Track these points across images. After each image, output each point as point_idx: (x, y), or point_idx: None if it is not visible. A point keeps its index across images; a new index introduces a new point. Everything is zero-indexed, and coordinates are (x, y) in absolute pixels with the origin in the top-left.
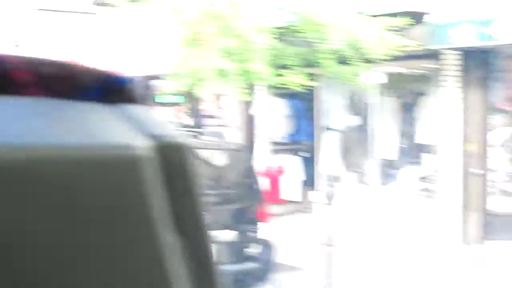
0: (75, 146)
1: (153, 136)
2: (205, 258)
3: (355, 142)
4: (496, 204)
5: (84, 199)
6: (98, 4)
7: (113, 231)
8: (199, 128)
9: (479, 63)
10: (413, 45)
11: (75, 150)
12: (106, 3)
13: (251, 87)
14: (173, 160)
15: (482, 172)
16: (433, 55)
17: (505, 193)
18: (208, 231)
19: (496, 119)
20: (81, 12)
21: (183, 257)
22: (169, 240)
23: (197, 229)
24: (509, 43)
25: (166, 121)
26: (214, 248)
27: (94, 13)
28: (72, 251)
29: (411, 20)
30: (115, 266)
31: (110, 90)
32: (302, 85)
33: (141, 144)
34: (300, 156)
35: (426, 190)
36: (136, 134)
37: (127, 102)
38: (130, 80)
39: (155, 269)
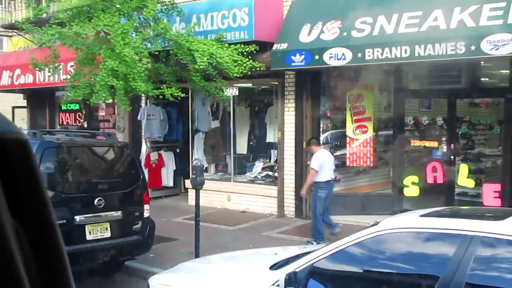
0: None
1: None
2: (49, 242)
3: (217, 141)
4: None
5: None
6: (7, 28)
7: None
8: (94, 129)
9: (311, 81)
10: (261, 67)
11: None
12: (16, 27)
13: (135, 98)
14: (14, 154)
15: (309, 162)
16: (277, 74)
17: None
18: (54, 218)
19: (325, 124)
20: None
21: (26, 241)
22: (11, 226)
23: (41, 216)
24: (334, 65)
25: (9, 119)
26: (60, 232)
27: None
28: None
29: (259, 47)
30: None
31: None
32: (177, 96)
33: None
34: (175, 152)
35: (271, 177)
36: None
37: None
38: None
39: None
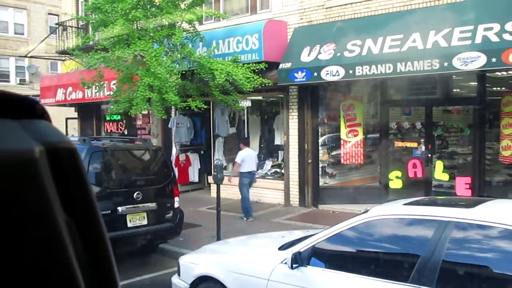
0: None
1: (50, 143)
2: (95, 232)
3: (234, 144)
4: (323, 180)
5: None
6: (60, 53)
7: (15, 216)
8: (133, 136)
9: (311, 94)
10: (269, 83)
11: None
12: (68, 52)
13: (166, 109)
14: (65, 160)
15: (310, 161)
16: (282, 89)
17: (328, 174)
18: (99, 212)
19: (323, 129)
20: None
21: (77, 234)
22: (64, 220)
23: (88, 212)
24: (329, 81)
25: (61, 132)
26: (105, 227)
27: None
28: None
29: (267, 66)
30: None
31: (19, 108)
32: (200, 108)
33: (38, 148)
34: (200, 153)
35: (279, 173)
36: (36, 141)
37: (34, 118)
38: (37, 101)
39: (55, 246)
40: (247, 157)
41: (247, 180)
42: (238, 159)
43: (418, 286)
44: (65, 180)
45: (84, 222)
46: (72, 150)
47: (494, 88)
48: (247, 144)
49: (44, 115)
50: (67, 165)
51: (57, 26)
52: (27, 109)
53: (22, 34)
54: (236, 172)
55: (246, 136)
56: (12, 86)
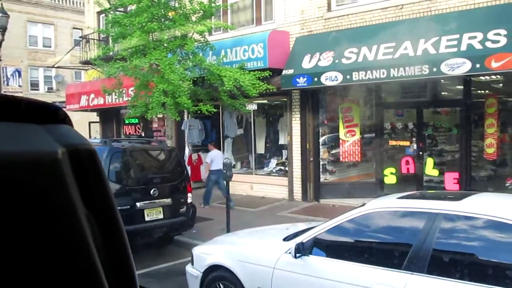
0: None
1: (72, 145)
2: (112, 226)
3: (242, 144)
4: (324, 177)
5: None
6: (83, 63)
7: (42, 212)
8: (149, 138)
9: (312, 97)
10: (273, 89)
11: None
12: (90, 62)
13: (180, 112)
14: (85, 160)
15: (312, 159)
16: (286, 93)
17: (328, 171)
18: (117, 208)
19: (323, 130)
20: (72, 68)
21: (97, 228)
22: (84, 214)
23: (106, 207)
24: (328, 85)
25: (81, 135)
26: (122, 221)
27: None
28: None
29: (272, 73)
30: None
31: (44, 114)
32: (211, 111)
33: (61, 150)
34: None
35: (283, 171)
36: (59, 144)
37: (57, 123)
38: (60, 108)
39: (76, 239)
40: (216, 157)
41: (214, 177)
42: (208, 159)
43: (411, 272)
44: (85, 178)
45: (103, 217)
46: (92, 151)
47: (479, 91)
48: (215, 146)
49: (66, 120)
50: (87, 165)
51: (80, 39)
52: (51, 115)
53: (50, 46)
54: (207, 170)
55: (253, 137)
56: (41, 94)
